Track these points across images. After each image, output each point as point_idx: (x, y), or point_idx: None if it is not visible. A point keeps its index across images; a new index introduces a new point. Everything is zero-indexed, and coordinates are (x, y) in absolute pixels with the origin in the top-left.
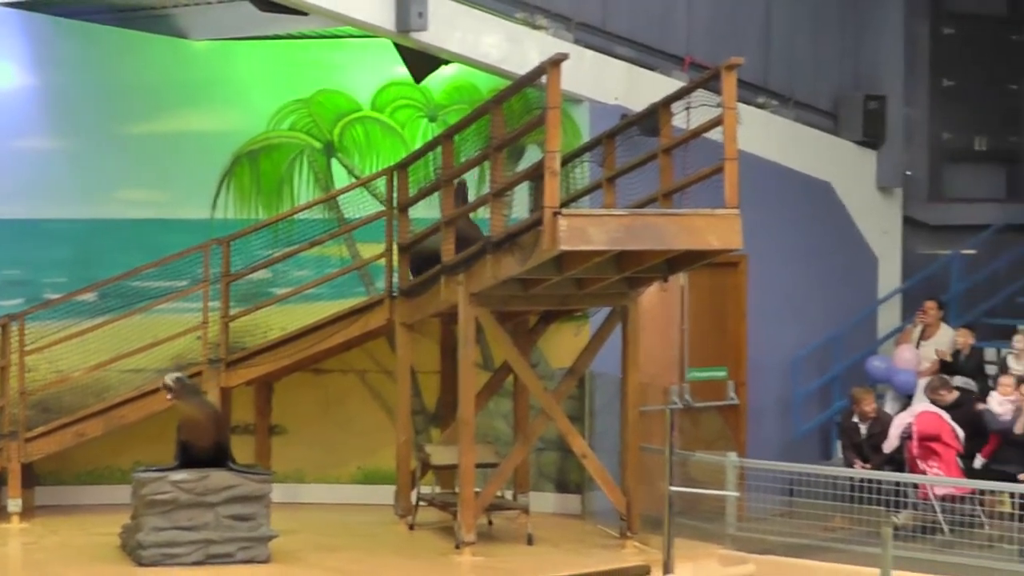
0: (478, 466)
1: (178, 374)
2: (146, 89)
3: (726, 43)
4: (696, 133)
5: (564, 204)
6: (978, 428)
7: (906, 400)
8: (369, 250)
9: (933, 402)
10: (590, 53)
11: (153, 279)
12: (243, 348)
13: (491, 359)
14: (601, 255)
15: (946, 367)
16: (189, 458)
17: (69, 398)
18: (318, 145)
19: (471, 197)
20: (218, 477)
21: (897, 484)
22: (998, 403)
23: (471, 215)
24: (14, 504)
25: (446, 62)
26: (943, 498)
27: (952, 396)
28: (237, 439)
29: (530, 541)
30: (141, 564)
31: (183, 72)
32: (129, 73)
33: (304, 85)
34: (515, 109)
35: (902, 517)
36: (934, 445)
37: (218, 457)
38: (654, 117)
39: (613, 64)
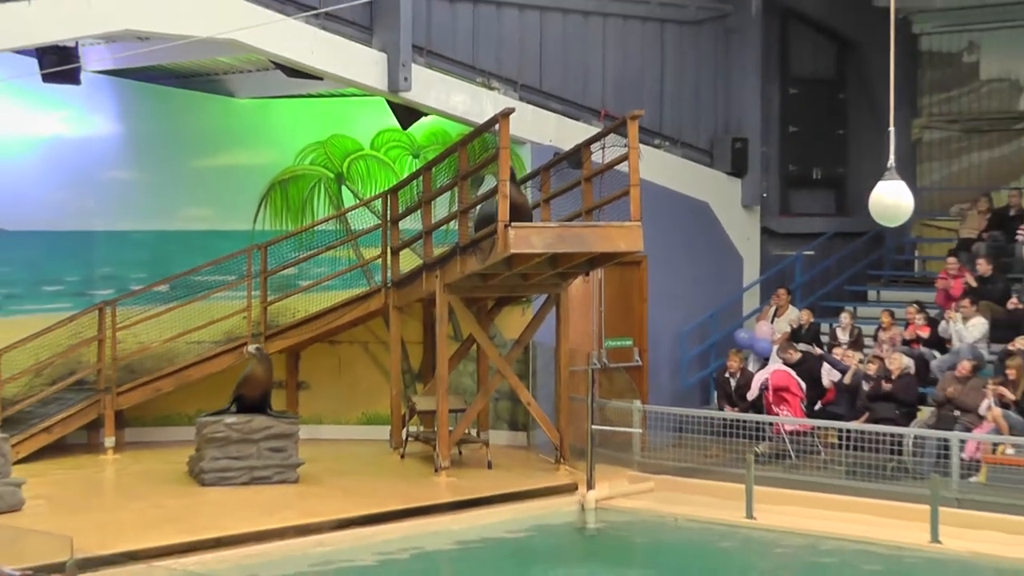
0: (451, 411)
1: (258, 344)
2: (203, 134)
3: (631, 99)
4: (609, 166)
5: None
6: (816, 381)
7: (764, 361)
8: (370, 253)
9: (783, 360)
10: (530, 107)
11: (210, 275)
12: (277, 325)
13: (460, 333)
14: (540, 256)
15: (792, 336)
16: (241, 406)
17: (149, 363)
18: (331, 175)
19: (446, 209)
20: (259, 420)
21: (757, 423)
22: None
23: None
24: (109, 441)
25: (425, 114)
26: (791, 433)
27: (796, 356)
28: (274, 392)
29: (489, 466)
30: (203, 485)
31: (231, 122)
32: (191, 122)
33: (321, 131)
34: (476, 149)
35: (761, 447)
36: (784, 394)
37: (261, 406)
38: (578, 154)
39: (547, 115)
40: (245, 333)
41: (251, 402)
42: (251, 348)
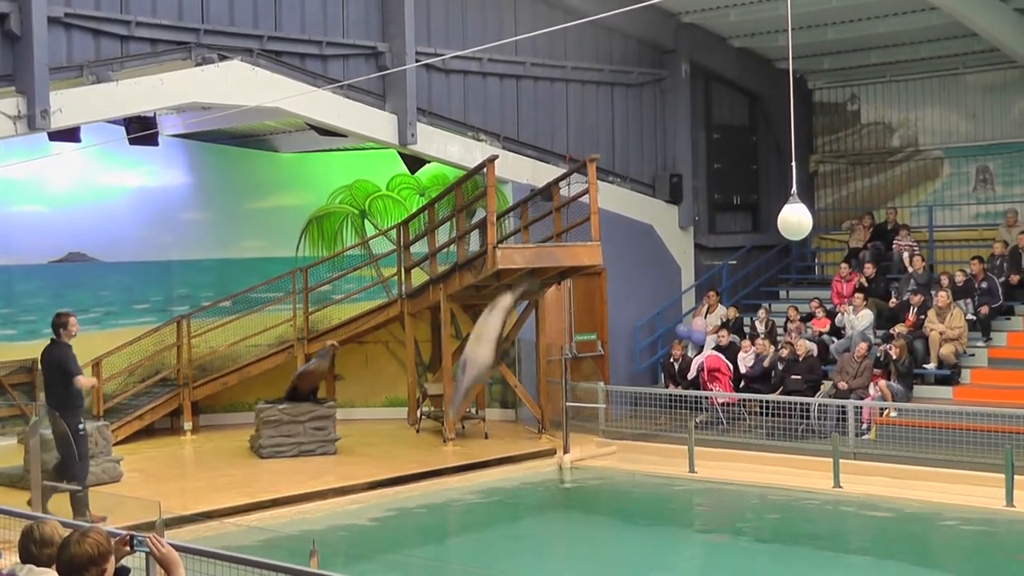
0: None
1: (335, 343)
2: (255, 182)
3: (590, 145)
4: (574, 199)
5: (499, 241)
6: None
7: (699, 349)
8: (388, 271)
9: (717, 345)
10: (511, 154)
11: (263, 292)
12: (317, 331)
13: (460, 332)
14: (521, 270)
15: (721, 328)
16: (294, 396)
17: (217, 362)
18: (356, 212)
19: (447, 236)
20: (305, 406)
21: (696, 397)
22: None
23: None
24: (187, 425)
25: (428, 161)
26: (722, 405)
27: (727, 339)
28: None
29: (486, 437)
30: (262, 457)
31: (276, 172)
32: (245, 173)
33: (347, 177)
34: (469, 188)
35: (699, 417)
36: (716, 374)
37: (309, 396)
38: (549, 190)
39: (524, 160)
40: (292, 337)
41: (303, 394)
42: (329, 344)
